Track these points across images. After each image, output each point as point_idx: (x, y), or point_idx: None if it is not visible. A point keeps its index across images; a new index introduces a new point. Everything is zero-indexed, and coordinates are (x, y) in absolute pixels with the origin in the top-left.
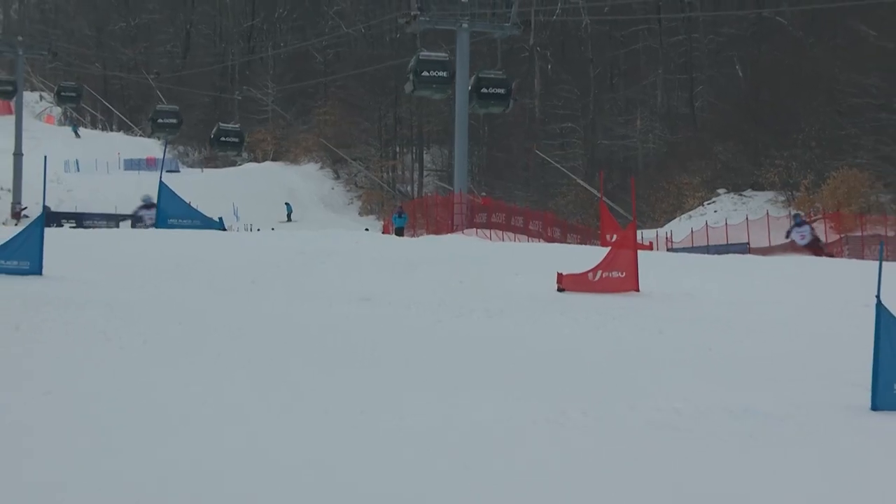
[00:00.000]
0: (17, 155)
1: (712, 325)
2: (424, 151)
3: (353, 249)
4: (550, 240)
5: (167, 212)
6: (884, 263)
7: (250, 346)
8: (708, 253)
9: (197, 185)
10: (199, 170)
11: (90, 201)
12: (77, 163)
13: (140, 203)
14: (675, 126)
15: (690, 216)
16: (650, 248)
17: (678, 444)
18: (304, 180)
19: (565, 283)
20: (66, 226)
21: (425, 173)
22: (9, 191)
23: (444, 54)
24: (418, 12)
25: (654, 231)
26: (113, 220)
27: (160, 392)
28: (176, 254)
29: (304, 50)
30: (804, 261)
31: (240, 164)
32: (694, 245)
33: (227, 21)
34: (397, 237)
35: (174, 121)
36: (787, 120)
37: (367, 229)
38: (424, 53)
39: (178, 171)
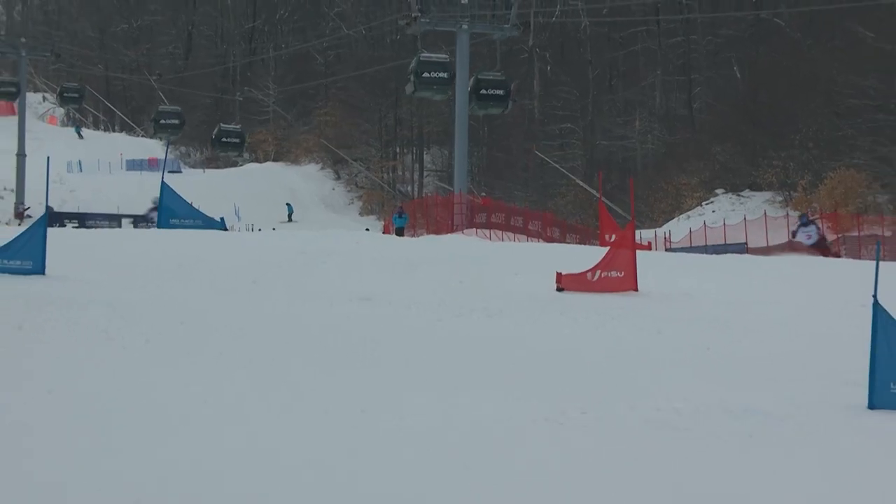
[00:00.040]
0: (21, 156)
1: (711, 324)
2: (424, 152)
3: (353, 249)
4: (550, 240)
5: (169, 212)
6: (881, 263)
7: (251, 345)
8: (706, 253)
9: (199, 186)
10: (200, 170)
11: (93, 201)
12: (80, 163)
13: (151, 205)
14: (673, 127)
15: (689, 216)
16: (649, 248)
17: (677, 444)
18: (305, 181)
19: (564, 283)
20: (69, 226)
21: (425, 174)
22: (12, 191)
23: (444, 56)
24: (419, 14)
25: (652, 231)
26: (115, 220)
27: (161, 392)
28: (178, 254)
29: (304, 51)
30: (802, 261)
31: (241, 165)
32: (692, 245)
33: (229, 22)
34: (398, 237)
35: (176, 122)
36: (785, 121)
37: (367, 229)
38: (425, 55)
39: (179, 172)
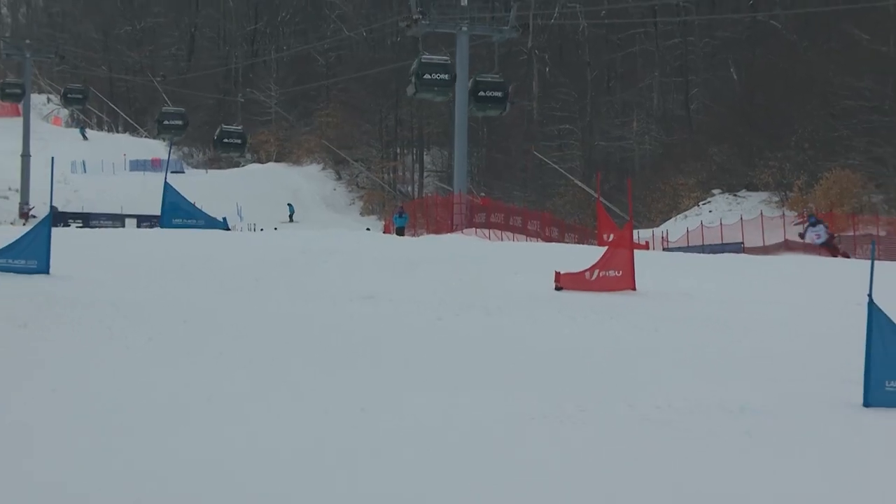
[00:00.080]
0: (25, 156)
1: (708, 323)
2: (425, 153)
3: (354, 249)
4: (548, 239)
5: (172, 212)
6: (876, 263)
7: (253, 344)
8: (703, 252)
9: (201, 186)
10: (203, 171)
11: (96, 201)
12: (84, 164)
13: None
14: (670, 128)
15: (686, 216)
16: (646, 247)
17: (675, 442)
18: (307, 181)
19: (563, 282)
20: (73, 225)
21: (425, 174)
22: (17, 191)
23: (445, 57)
24: (420, 16)
25: (650, 231)
26: (119, 220)
27: (163, 390)
28: (181, 253)
29: (306, 53)
30: (798, 260)
31: (243, 165)
32: (689, 245)
33: (231, 25)
34: (398, 237)
35: (180, 122)
36: (781, 122)
37: (368, 229)
38: (426, 56)
39: (182, 172)
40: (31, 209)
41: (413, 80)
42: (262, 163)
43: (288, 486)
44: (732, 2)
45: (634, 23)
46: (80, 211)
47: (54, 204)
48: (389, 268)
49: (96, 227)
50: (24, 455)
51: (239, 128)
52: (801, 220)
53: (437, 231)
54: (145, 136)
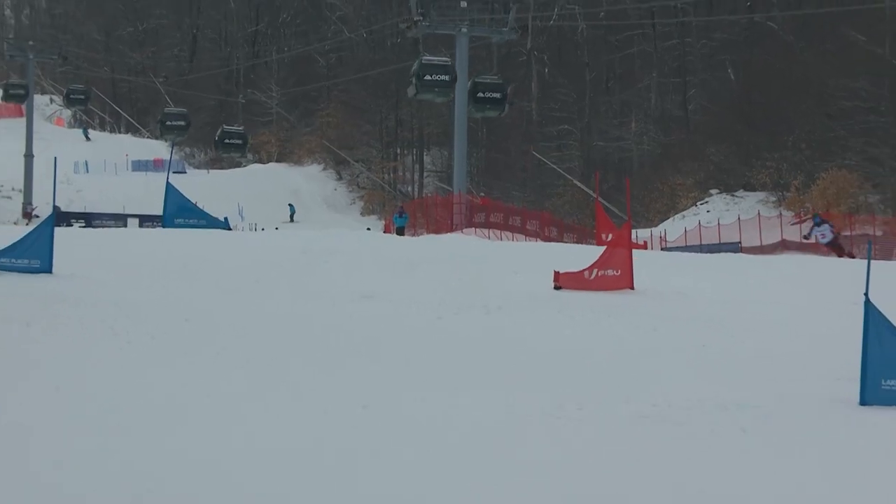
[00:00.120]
0: (28, 156)
1: (705, 322)
2: (424, 153)
3: (355, 249)
4: (547, 239)
5: (179, 212)
6: (872, 262)
7: (254, 344)
8: (701, 252)
9: (203, 186)
10: (205, 171)
11: (99, 201)
12: (86, 164)
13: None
14: (668, 128)
15: (684, 216)
16: (644, 247)
17: (672, 439)
18: (308, 181)
19: (562, 281)
20: (76, 225)
21: (425, 174)
22: (20, 191)
23: (446, 58)
24: (420, 18)
25: (648, 230)
26: (121, 219)
27: (161, 391)
28: (183, 253)
29: (307, 54)
30: (795, 259)
31: (245, 166)
32: (687, 244)
33: (233, 26)
34: (398, 236)
35: (182, 123)
36: (778, 122)
37: (368, 229)
38: (427, 58)
39: (184, 173)
40: (34, 209)
41: (414, 81)
42: (264, 163)
43: (287, 486)
44: (730, 3)
45: (633, 24)
46: (82, 211)
47: (57, 204)
48: (390, 267)
49: (99, 226)
50: (21, 454)
51: (240, 128)
52: (798, 220)
53: (437, 231)
54: (147, 137)
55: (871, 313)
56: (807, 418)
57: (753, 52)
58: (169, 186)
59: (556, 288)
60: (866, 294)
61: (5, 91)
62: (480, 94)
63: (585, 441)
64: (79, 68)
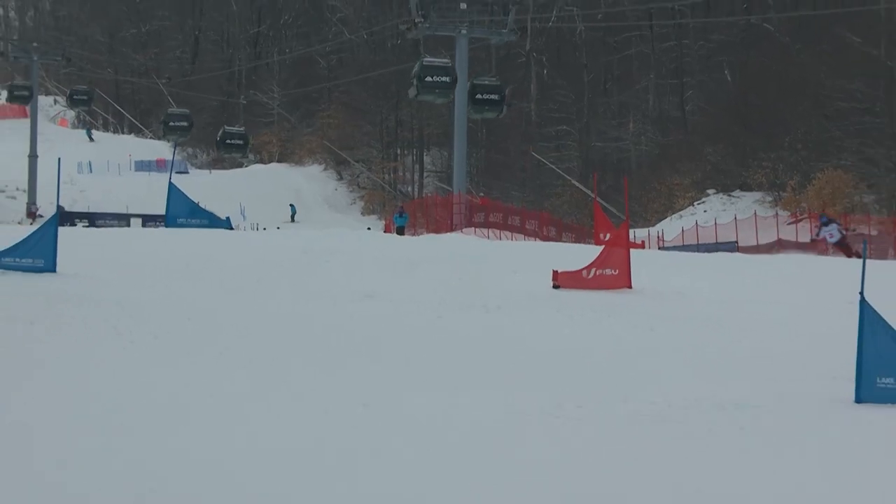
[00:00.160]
0: (32, 157)
1: (703, 321)
2: (424, 153)
3: (355, 248)
4: (546, 238)
5: (179, 212)
6: (867, 262)
7: (256, 343)
8: (698, 251)
9: (205, 187)
10: (207, 171)
11: (102, 201)
12: (90, 164)
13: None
14: (666, 129)
15: (681, 216)
16: (642, 246)
17: (675, 440)
18: (309, 181)
19: (561, 281)
20: (80, 225)
21: (425, 174)
22: (24, 191)
23: (447, 60)
24: (420, 19)
25: (646, 230)
26: (125, 219)
27: (163, 390)
28: (185, 253)
29: (308, 55)
30: (794, 259)
31: (246, 166)
32: (684, 244)
33: (234, 28)
34: (398, 236)
35: (185, 124)
36: (775, 123)
37: (369, 229)
38: (428, 59)
39: (186, 173)
40: (37, 209)
41: (415, 82)
42: (265, 163)
43: (288, 486)
44: (727, 5)
45: (630, 26)
46: (86, 211)
47: (61, 204)
48: (390, 267)
49: (102, 226)
50: (25, 454)
51: (241, 129)
52: (794, 219)
53: (437, 230)
54: (150, 138)
55: (867, 312)
56: (803, 417)
57: (750, 54)
58: (171, 186)
59: (555, 287)
60: (862, 293)
61: (10, 92)
62: (479, 96)
63: (584, 440)
64: (82, 69)
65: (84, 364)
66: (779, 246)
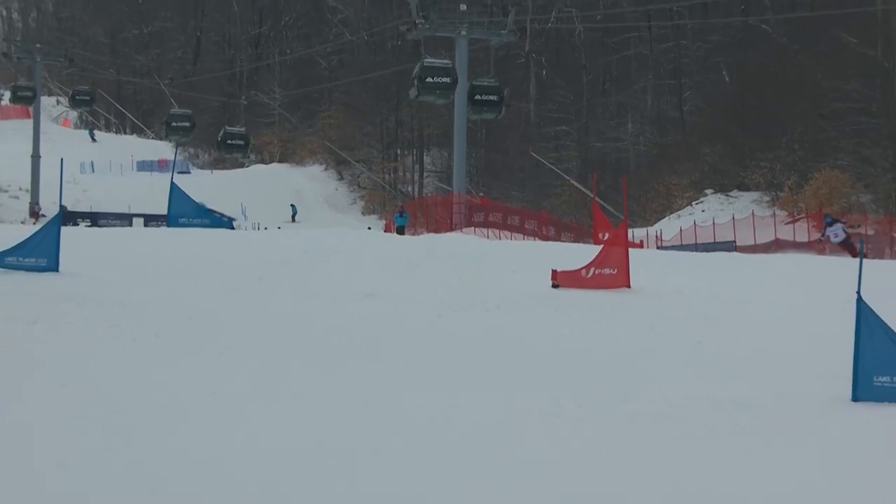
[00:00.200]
0: (35, 157)
1: (701, 321)
2: (424, 153)
3: (356, 248)
4: (545, 238)
5: (178, 211)
6: (864, 261)
7: (257, 343)
8: (696, 251)
9: (207, 186)
10: (208, 171)
11: (105, 201)
12: (92, 164)
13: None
14: (664, 129)
15: (679, 215)
16: (641, 246)
17: (674, 439)
18: (310, 181)
19: (560, 280)
20: (82, 225)
21: (425, 174)
22: (27, 191)
23: (447, 61)
24: (422, 21)
25: (644, 230)
26: (127, 219)
27: (164, 390)
28: (187, 253)
29: (309, 56)
30: (791, 259)
31: (248, 166)
32: (682, 243)
33: (236, 29)
34: (399, 236)
35: (187, 124)
36: (772, 123)
37: (369, 228)
38: (429, 60)
39: (188, 173)
40: (40, 209)
41: (415, 83)
42: (266, 163)
43: (288, 486)
44: (725, 6)
45: (629, 27)
46: (88, 210)
47: (63, 203)
48: (390, 267)
49: (104, 226)
50: (25, 454)
51: (242, 129)
52: (791, 219)
53: (437, 230)
54: (152, 138)
55: (864, 311)
56: (801, 415)
57: (748, 55)
58: (173, 186)
59: (554, 286)
60: (858, 292)
61: (13, 93)
62: (478, 97)
63: (584, 439)
64: (85, 70)
65: (85, 363)
66: (776, 245)
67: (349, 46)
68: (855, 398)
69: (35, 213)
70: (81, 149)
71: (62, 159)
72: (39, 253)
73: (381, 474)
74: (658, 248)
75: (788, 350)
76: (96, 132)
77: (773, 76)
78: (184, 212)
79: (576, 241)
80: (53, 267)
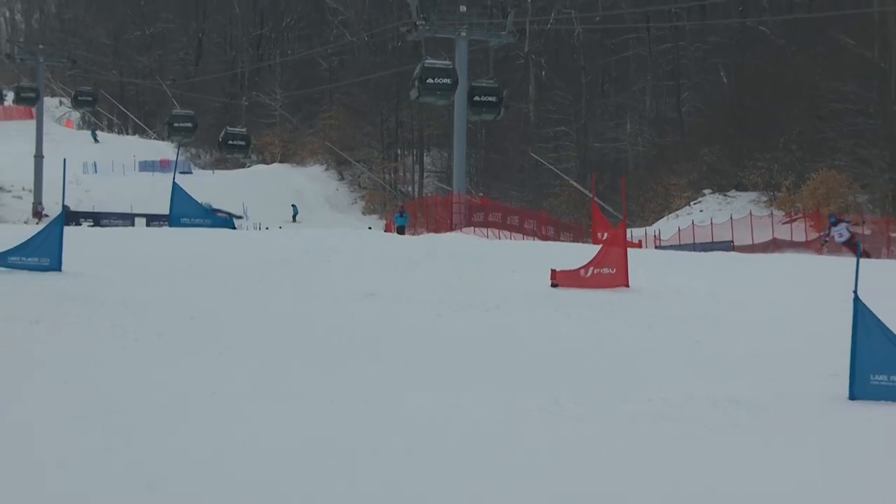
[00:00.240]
0: (38, 157)
1: (700, 320)
2: (425, 154)
3: (356, 248)
4: (545, 238)
5: (180, 211)
6: (861, 261)
7: (256, 344)
8: (694, 250)
9: (208, 187)
10: (210, 171)
11: (107, 201)
12: (95, 165)
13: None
14: (663, 130)
15: (677, 215)
16: (639, 245)
17: (673, 439)
18: (310, 181)
19: (559, 279)
20: (85, 225)
21: (425, 174)
22: (30, 191)
23: (448, 62)
24: (422, 22)
25: (643, 229)
26: (129, 219)
27: (164, 390)
28: (189, 252)
29: (310, 57)
30: (790, 259)
31: (249, 166)
32: (681, 243)
33: (237, 30)
34: (399, 236)
35: (189, 125)
36: (770, 124)
37: (370, 228)
38: (429, 61)
39: (190, 173)
40: (42, 209)
41: (416, 84)
42: (267, 164)
43: (288, 486)
44: (723, 8)
45: (628, 28)
46: (91, 210)
47: (66, 203)
48: (391, 266)
49: (107, 226)
50: (25, 453)
51: (243, 130)
52: (789, 219)
53: (437, 230)
54: (154, 138)
55: (860, 310)
56: (800, 414)
57: (746, 56)
58: (175, 186)
59: (553, 286)
60: (855, 291)
61: (17, 94)
62: (477, 98)
63: (583, 439)
64: (87, 71)
65: (86, 363)
66: (774, 245)
67: (350, 47)
68: (852, 396)
69: (38, 213)
70: (84, 149)
71: (65, 160)
72: (42, 253)
73: (381, 474)
74: (656, 247)
75: (786, 349)
76: (99, 133)
77: (771, 77)
78: (186, 212)
79: (575, 240)
80: (56, 267)
